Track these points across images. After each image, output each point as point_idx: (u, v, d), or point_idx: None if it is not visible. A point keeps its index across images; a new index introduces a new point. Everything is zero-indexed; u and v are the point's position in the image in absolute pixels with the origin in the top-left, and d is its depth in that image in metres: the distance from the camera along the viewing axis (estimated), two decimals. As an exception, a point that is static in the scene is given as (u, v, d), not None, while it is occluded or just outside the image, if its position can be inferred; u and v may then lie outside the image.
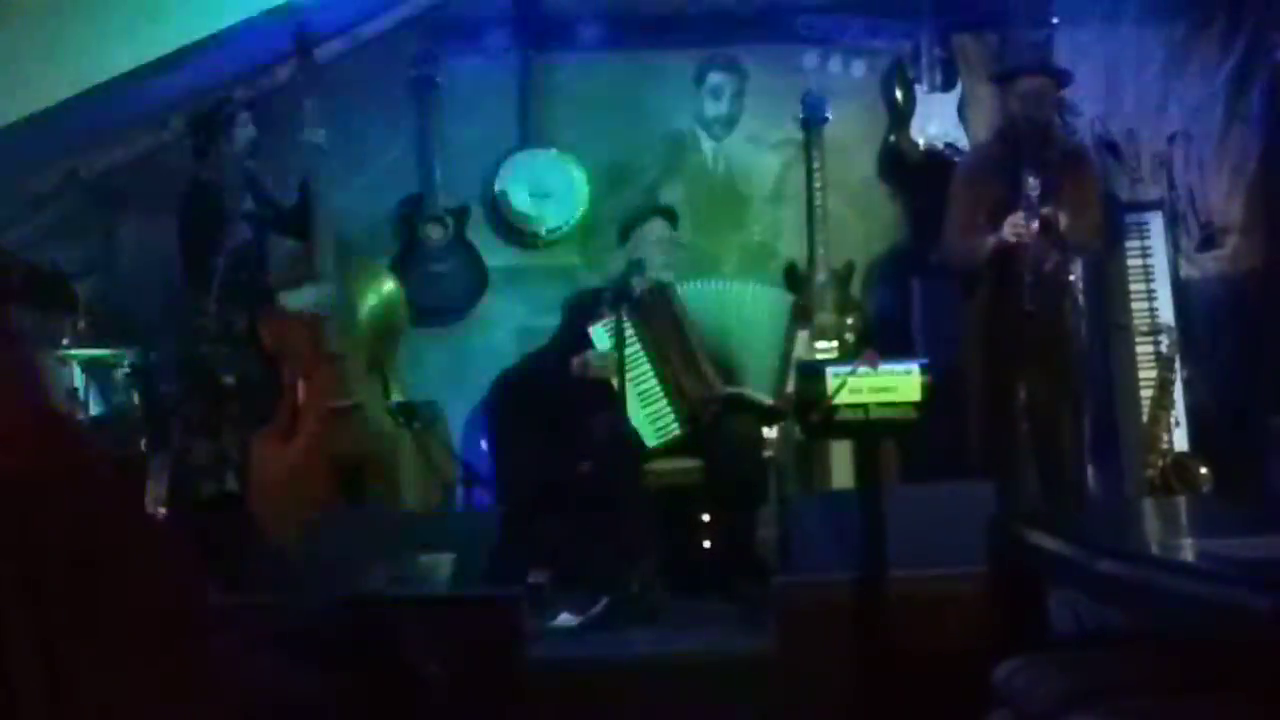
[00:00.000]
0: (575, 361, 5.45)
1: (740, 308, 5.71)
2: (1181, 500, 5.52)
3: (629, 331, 5.34)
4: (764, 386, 5.56)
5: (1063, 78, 5.91)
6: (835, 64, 6.74)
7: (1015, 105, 5.62)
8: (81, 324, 5.62)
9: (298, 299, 5.48)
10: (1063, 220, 5.45)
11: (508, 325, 6.63)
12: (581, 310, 5.66)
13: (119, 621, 1.71)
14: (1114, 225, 6.21)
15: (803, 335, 5.66)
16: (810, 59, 6.72)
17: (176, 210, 5.48)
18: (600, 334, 5.39)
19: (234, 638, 2.39)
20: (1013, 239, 5.40)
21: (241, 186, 5.33)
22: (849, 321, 6.35)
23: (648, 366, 5.40)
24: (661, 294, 5.50)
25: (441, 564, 4.38)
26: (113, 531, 1.73)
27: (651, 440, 5.31)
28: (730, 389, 5.44)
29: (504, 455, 6.15)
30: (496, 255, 6.62)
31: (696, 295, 5.65)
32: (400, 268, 6.29)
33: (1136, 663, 3.02)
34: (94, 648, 1.70)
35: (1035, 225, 5.38)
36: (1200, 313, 6.44)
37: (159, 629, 1.76)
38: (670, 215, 5.78)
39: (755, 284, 6.00)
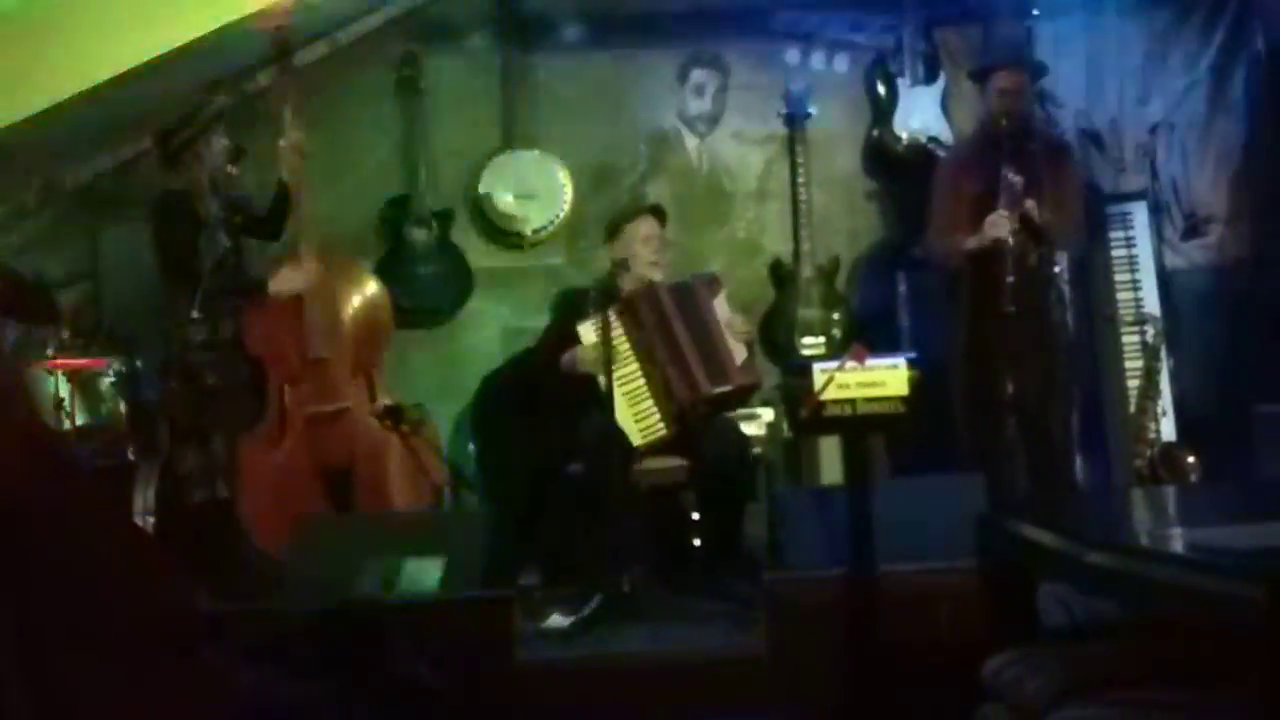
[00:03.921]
0: (564, 358, 5.44)
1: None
2: (1170, 490, 5.52)
3: (617, 330, 5.32)
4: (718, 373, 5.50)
5: (1038, 70, 5.92)
6: (817, 59, 6.74)
7: (993, 100, 5.62)
8: (66, 334, 5.60)
9: (280, 285, 5.47)
10: (1044, 214, 5.46)
11: (494, 327, 6.64)
12: (569, 309, 5.65)
13: (106, 635, 1.71)
14: (1098, 216, 6.23)
15: (720, 299, 5.59)
16: (792, 55, 6.72)
17: (150, 219, 5.47)
18: (588, 332, 5.38)
19: (224, 645, 2.39)
20: (993, 238, 5.40)
21: (210, 192, 5.33)
22: (835, 317, 6.37)
23: (635, 365, 5.39)
24: (650, 293, 5.49)
25: (431, 567, 4.37)
26: (99, 546, 1.73)
27: (637, 439, 5.30)
28: (718, 388, 5.41)
29: (492, 456, 6.14)
30: (482, 257, 6.62)
31: None
32: (385, 270, 6.28)
33: (1128, 655, 3.02)
34: (82, 661, 1.70)
35: (1015, 224, 5.38)
36: (1186, 302, 6.45)
37: (147, 641, 1.75)
38: (659, 213, 5.77)
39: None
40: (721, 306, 5.57)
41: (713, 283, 5.69)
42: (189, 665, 1.93)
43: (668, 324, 5.43)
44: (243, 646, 2.50)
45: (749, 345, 5.61)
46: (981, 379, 5.60)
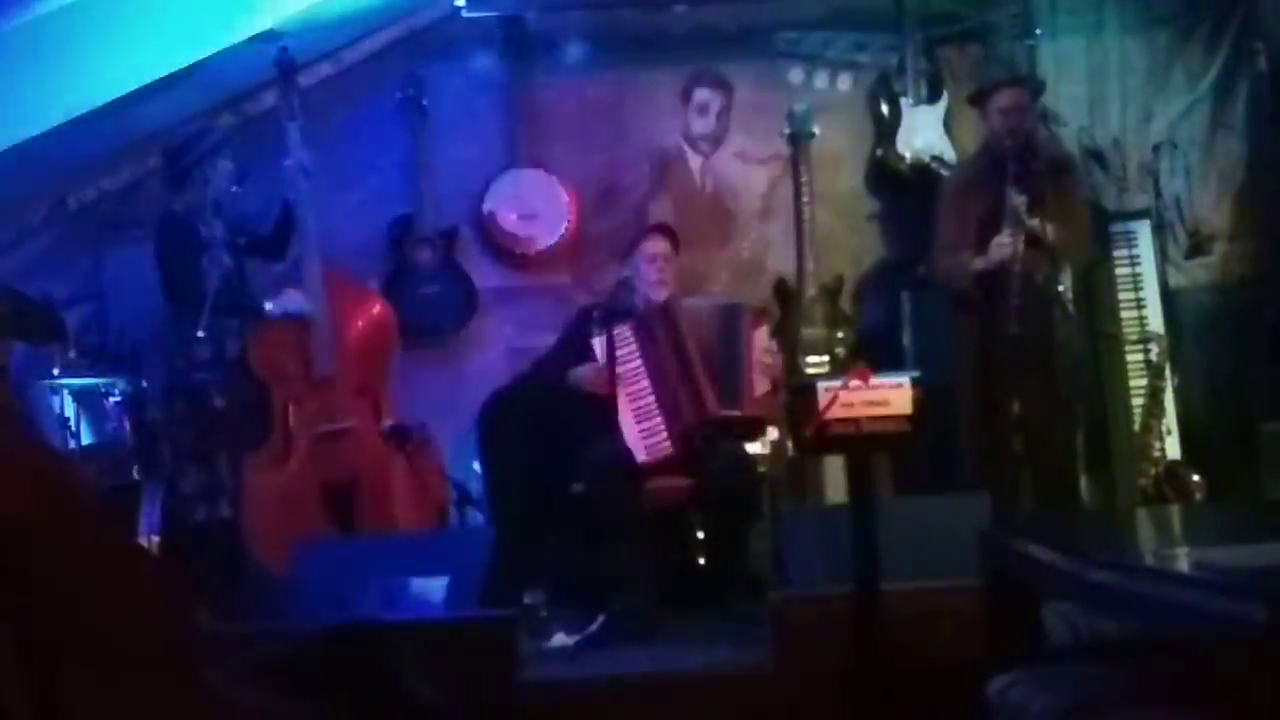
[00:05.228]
0: (571, 374, 5.44)
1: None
2: (1175, 509, 5.51)
3: (630, 347, 5.32)
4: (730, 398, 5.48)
5: (1038, 87, 5.93)
6: (821, 79, 6.77)
7: (996, 120, 5.63)
8: (71, 353, 5.61)
9: (283, 305, 5.49)
10: (1049, 231, 5.46)
11: (498, 346, 6.64)
12: (579, 326, 5.64)
13: (110, 656, 1.71)
14: (1101, 235, 6.22)
15: (761, 332, 5.58)
16: (796, 74, 6.75)
17: (153, 240, 5.50)
18: (601, 348, 5.37)
19: (227, 666, 2.39)
20: (998, 260, 5.41)
21: (213, 214, 5.36)
22: (839, 336, 6.35)
23: (645, 383, 5.38)
24: (666, 311, 5.48)
25: (435, 587, 4.37)
26: (103, 566, 1.73)
27: (642, 456, 5.29)
28: (726, 411, 5.40)
29: (497, 475, 6.13)
30: (486, 276, 6.62)
31: None
32: (390, 290, 6.29)
33: (1132, 675, 3.01)
34: (85, 682, 1.70)
35: (1021, 245, 5.38)
36: (1189, 321, 6.46)
37: (150, 661, 1.76)
38: (666, 231, 5.76)
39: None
40: (760, 338, 5.53)
41: (756, 314, 5.65)
42: (192, 686, 1.93)
43: (682, 343, 5.41)
44: (245, 667, 2.49)
45: (775, 383, 5.57)
46: (987, 397, 5.60)
